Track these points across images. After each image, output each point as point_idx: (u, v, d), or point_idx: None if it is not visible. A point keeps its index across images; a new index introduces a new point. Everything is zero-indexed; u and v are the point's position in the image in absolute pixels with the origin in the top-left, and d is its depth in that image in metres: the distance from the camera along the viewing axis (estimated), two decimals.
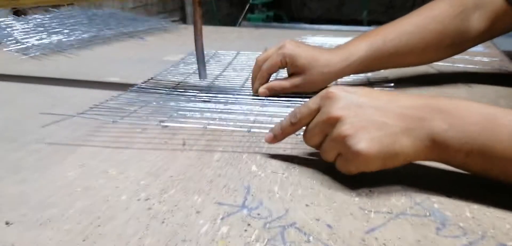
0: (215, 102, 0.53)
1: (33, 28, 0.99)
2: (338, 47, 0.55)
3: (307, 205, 0.31)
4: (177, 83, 0.61)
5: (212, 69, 0.69)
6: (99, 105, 0.51)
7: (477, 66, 0.70)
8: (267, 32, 1.15)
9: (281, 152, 0.40)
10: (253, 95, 0.55)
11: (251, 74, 0.56)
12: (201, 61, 0.59)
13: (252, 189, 0.34)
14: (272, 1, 3.41)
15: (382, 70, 0.59)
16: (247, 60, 0.75)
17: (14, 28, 0.99)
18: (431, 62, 0.62)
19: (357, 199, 0.32)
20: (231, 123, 0.46)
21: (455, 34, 0.55)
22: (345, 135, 0.31)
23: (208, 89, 0.58)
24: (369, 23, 3.03)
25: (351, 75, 0.56)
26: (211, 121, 0.46)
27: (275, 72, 0.55)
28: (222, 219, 0.30)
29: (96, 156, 0.40)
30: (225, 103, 0.53)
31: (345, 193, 0.33)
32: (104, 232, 0.29)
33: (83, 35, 0.97)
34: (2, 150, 0.42)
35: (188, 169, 0.37)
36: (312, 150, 0.40)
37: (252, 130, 0.44)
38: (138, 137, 0.44)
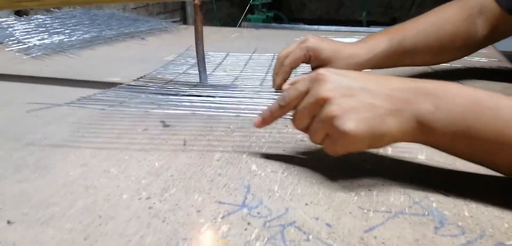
0: (206, 96, 0.54)
1: (34, 28, 1.00)
2: (360, 41, 0.57)
3: (306, 204, 0.32)
4: (168, 80, 0.62)
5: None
6: (87, 97, 0.51)
7: (475, 67, 0.70)
8: (267, 33, 1.16)
9: (281, 151, 0.41)
10: (274, 91, 0.55)
11: (240, 73, 0.57)
12: (201, 65, 0.60)
13: (252, 188, 0.34)
14: (272, 2, 3.41)
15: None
16: (237, 61, 0.76)
17: (16, 28, 0.99)
18: (446, 62, 0.63)
19: (356, 198, 0.32)
20: (221, 110, 0.47)
21: (466, 36, 0.57)
22: (333, 115, 0.32)
23: (199, 85, 0.59)
24: (368, 24, 3.03)
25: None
26: (200, 109, 0.47)
27: (297, 66, 0.54)
28: (222, 217, 0.30)
29: (97, 155, 0.40)
30: (215, 96, 0.54)
31: (344, 192, 0.33)
32: (105, 231, 0.29)
33: (85, 36, 0.97)
34: (3, 149, 0.42)
35: (189, 168, 0.38)
36: (312, 149, 0.41)
37: (241, 114, 0.44)
38: (139, 137, 0.45)
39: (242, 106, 0.48)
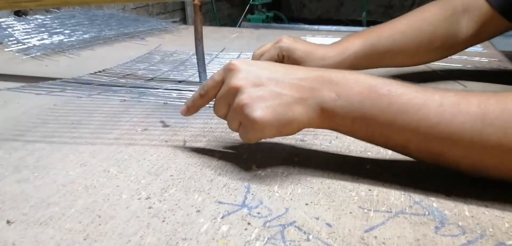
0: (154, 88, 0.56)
1: (34, 29, 1.00)
2: (334, 43, 0.57)
3: (306, 204, 0.32)
4: (126, 74, 0.65)
5: (161, 66, 0.72)
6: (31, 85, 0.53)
7: (475, 67, 0.70)
8: (266, 33, 1.16)
9: (281, 151, 0.41)
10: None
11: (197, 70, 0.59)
12: (201, 65, 0.60)
13: (252, 188, 0.34)
14: (271, 2, 3.41)
15: (379, 69, 0.60)
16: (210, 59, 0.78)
17: (15, 28, 0.99)
18: (423, 63, 0.63)
19: (356, 197, 0.32)
20: (152, 98, 0.49)
21: (445, 36, 0.56)
22: (243, 104, 0.33)
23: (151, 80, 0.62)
24: (368, 24, 3.03)
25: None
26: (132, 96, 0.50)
27: None
28: (222, 217, 0.30)
29: (96, 155, 0.40)
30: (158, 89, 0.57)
31: (344, 191, 0.33)
32: (105, 231, 0.29)
33: (84, 36, 0.97)
34: (3, 149, 0.42)
35: (189, 168, 0.37)
36: (312, 149, 0.41)
37: (167, 102, 0.47)
38: (139, 137, 0.45)
39: (174, 95, 0.51)
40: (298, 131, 0.35)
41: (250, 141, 0.35)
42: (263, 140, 0.43)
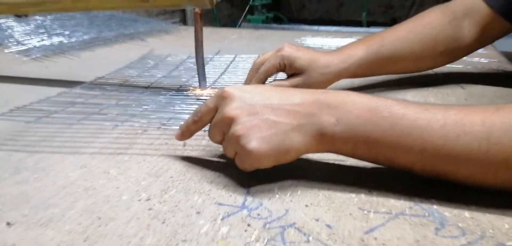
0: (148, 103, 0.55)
1: (34, 30, 1.00)
2: (337, 49, 0.56)
3: (306, 205, 0.32)
4: (119, 84, 0.64)
5: (155, 72, 0.71)
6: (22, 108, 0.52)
7: (475, 68, 0.70)
8: (266, 33, 1.16)
9: None
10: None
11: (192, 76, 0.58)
12: (201, 72, 0.60)
13: (252, 190, 0.34)
14: (271, 3, 3.41)
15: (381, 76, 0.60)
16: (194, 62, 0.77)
17: (15, 29, 0.99)
18: (426, 69, 0.62)
19: (356, 199, 0.32)
20: (144, 121, 0.48)
21: (448, 41, 0.56)
22: (238, 135, 0.32)
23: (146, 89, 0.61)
24: (368, 25, 3.03)
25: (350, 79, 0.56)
26: (123, 122, 0.48)
27: (272, 75, 0.55)
28: (222, 219, 0.30)
29: (96, 157, 0.40)
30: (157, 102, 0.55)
31: (344, 193, 0.33)
32: (105, 232, 0.29)
33: (84, 37, 0.97)
34: (3, 151, 0.42)
35: (189, 170, 0.37)
36: None
37: (164, 127, 0.46)
38: (139, 138, 0.45)
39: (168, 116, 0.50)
40: (296, 158, 0.34)
41: (247, 170, 0.34)
42: None
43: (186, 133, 0.39)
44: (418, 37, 0.56)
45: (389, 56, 0.55)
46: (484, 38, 0.57)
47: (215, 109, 0.35)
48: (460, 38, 0.56)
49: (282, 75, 0.56)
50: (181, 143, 0.43)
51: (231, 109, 0.33)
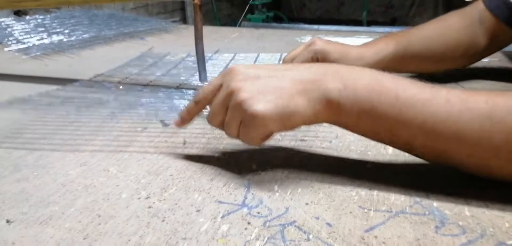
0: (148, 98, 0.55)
1: (34, 28, 0.99)
2: (367, 43, 0.57)
3: (306, 204, 0.32)
4: (118, 82, 0.64)
5: (153, 70, 0.71)
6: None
7: (476, 67, 0.70)
8: (267, 32, 1.15)
9: (281, 151, 0.40)
10: None
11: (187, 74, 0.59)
12: (201, 64, 0.60)
13: (252, 188, 0.34)
14: (272, 2, 3.41)
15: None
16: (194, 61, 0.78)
17: (15, 28, 0.99)
18: (446, 69, 0.62)
19: (356, 197, 0.32)
20: (143, 112, 0.49)
21: (467, 44, 0.57)
22: (242, 99, 0.32)
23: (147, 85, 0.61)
24: (368, 24, 3.03)
25: None
26: (121, 113, 0.49)
27: None
28: (222, 217, 0.30)
29: (96, 154, 0.40)
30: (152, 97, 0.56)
31: (344, 191, 0.33)
32: (104, 230, 0.29)
33: (84, 36, 0.97)
34: (3, 148, 0.42)
35: (189, 168, 0.37)
36: (312, 149, 0.41)
37: (162, 120, 0.46)
38: (139, 136, 0.45)
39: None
40: (303, 125, 0.34)
41: (253, 140, 0.34)
42: None
43: (186, 118, 0.38)
44: (442, 38, 0.57)
45: (415, 54, 0.56)
46: (493, 46, 0.58)
47: (220, 87, 0.35)
48: (477, 43, 0.57)
49: None
50: (181, 141, 0.43)
51: (237, 82, 0.33)
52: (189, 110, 0.38)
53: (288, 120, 0.33)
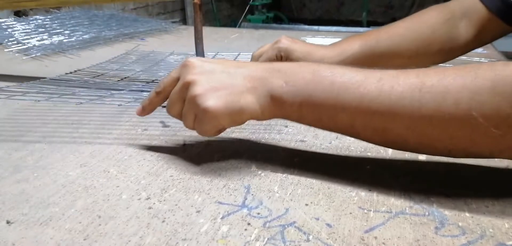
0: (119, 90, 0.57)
1: (34, 29, 0.99)
2: (333, 44, 0.57)
3: (306, 204, 0.32)
4: (97, 75, 0.66)
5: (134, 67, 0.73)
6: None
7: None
8: (267, 33, 1.16)
9: (281, 151, 0.41)
10: None
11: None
12: None
13: (252, 189, 0.34)
14: (272, 2, 3.41)
15: None
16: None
17: (15, 28, 0.99)
18: (422, 66, 0.62)
19: (356, 198, 0.32)
20: (108, 99, 0.51)
21: (444, 40, 0.57)
22: (196, 94, 0.34)
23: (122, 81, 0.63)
24: (368, 24, 3.03)
25: None
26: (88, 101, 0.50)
27: None
28: (222, 218, 0.30)
29: (96, 155, 0.40)
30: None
31: (344, 192, 0.33)
32: (105, 231, 0.29)
33: (84, 36, 0.97)
34: (3, 149, 0.42)
35: (189, 168, 0.37)
36: (312, 150, 0.41)
37: (122, 104, 0.48)
38: (139, 137, 0.45)
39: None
40: (250, 119, 0.36)
41: (207, 132, 0.36)
42: (263, 141, 0.43)
43: (148, 107, 0.40)
44: (413, 35, 0.56)
45: (384, 52, 0.56)
46: (481, 38, 0.57)
47: (177, 79, 0.37)
48: (455, 38, 0.57)
49: None
50: (181, 142, 0.43)
51: (192, 75, 0.35)
52: (150, 100, 0.39)
53: (238, 116, 0.35)
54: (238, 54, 0.80)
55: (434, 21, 0.56)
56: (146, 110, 0.40)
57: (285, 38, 0.54)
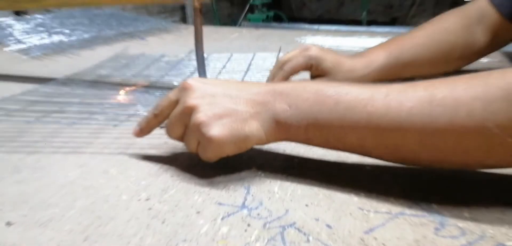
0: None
1: (34, 28, 0.99)
2: (359, 54, 0.57)
3: (306, 205, 0.32)
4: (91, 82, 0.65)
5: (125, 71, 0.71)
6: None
7: (476, 68, 0.70)
8: (267, 32, 1.16)
9: (281, 152, 0.41)
10: None
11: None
12: (201, 67, 0.60)
13: (252, 189, 0.34)
14: (272, 2, 3.41)
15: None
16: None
17: (15, 28, 0.99)
18: (443, 72, 0.62)
19: (356, 199, 0.32)
20: (101, 119, 0.49)
21: (464, 46, 0.57)
22: (199, 122, 0.33)
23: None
24: (368, 24, 3.03)
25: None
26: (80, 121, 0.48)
27: (297, 73, 0.55)
28: (222, 219, 0.30)
29: (96, 156, 0.40)
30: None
31: (344, 193, 0.33)
32: (105, 232, 0.29)
33: (84, 36, 0.97)
34: (2, 150, 0.42)
35: (189, 169, 0.37)
36: (312, 150, 0.41)
37: (118, 125, 0.47)
38: (139, 138, 0.45)
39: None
40: (256, 145, 0.35)
41: (210, 159, 0.35)
42: None
43: (145, 129, 0.39)
44: (435, 43, 0.57)
45: (408, 62, 0.56)
46: (494, 44, 0.58)
47: (176, 102, 0.36)
48: (473, 44, 0.57)
49: (304, 75, 0.56)
50: (181, 143, 0.43)
51: (193, 99, 0.34)
52: (148, 122, 0.38)
53: (243, 143, 0.34)
54: (231, 56, 0.79)
55: (455, 27, 0.57)
56: (143, 132, 0.39)
57: (315, 47, 0.54)
